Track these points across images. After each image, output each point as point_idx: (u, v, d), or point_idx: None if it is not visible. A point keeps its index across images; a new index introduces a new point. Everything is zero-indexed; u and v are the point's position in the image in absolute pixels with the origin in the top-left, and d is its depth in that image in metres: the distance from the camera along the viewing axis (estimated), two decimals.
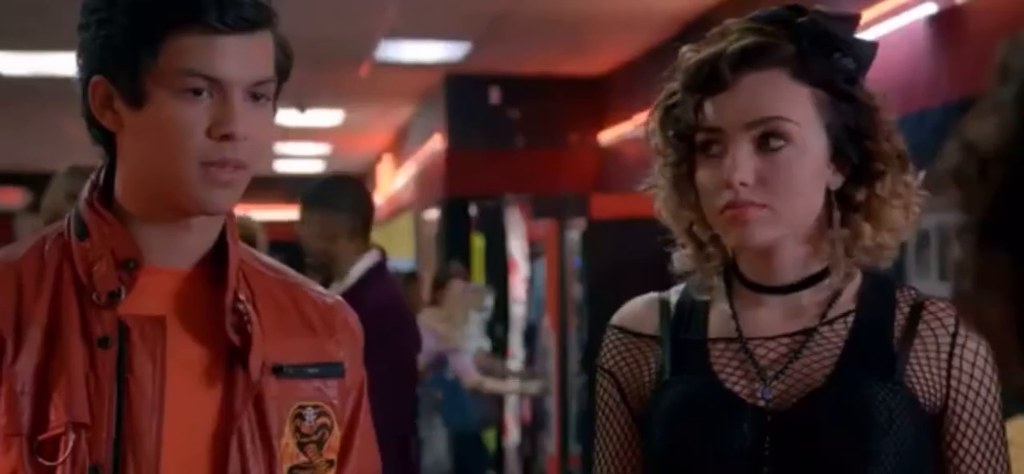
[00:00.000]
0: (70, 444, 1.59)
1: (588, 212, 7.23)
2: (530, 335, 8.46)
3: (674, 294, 1.86)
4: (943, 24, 5.59)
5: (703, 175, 1.72)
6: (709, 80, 1.70)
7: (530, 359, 8.45)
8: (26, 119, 13.16)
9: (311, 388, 1.74)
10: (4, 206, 18.58)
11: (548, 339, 7.94)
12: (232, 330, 1.67)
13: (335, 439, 1.75)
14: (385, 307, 4.36)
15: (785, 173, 1.69)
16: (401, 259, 10.81)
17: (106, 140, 1.69)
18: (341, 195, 4.52)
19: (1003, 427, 1.73)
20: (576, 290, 7.40)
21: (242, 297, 1.70)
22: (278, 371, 1.70)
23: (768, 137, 1.69)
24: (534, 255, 8.42)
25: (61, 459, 1.59)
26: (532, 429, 8.43)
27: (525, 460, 8.59)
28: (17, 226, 18.30)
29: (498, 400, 8.94)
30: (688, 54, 1.75)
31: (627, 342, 1.85)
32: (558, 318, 7.68)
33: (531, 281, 8.49)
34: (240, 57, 1.62)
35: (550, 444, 7.95)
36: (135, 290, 1.65)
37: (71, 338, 1.62)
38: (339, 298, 1.85)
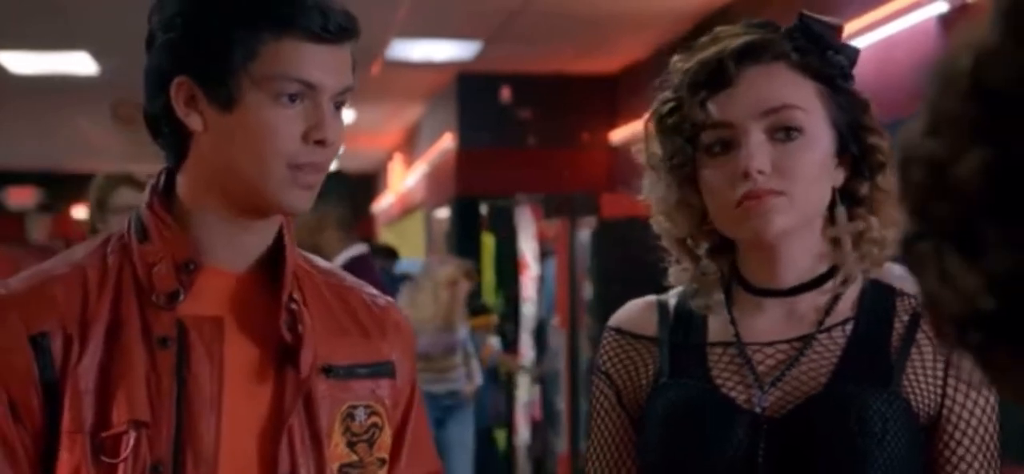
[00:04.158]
0: (131, 442, 1.63)
1: (599, 211, 7.23)
2: (540, 334, 8.46)
3: (673, 297, 1.85)
4: (954, 23, 5.57)
5: (711, 174, 1.72)
6: (713, 77, 1.71)
7: (540, 358, 8.44)
8: (38, 118, 13.18)
9: (362, 388, 1.77)
10: (17, 205, 18.61)
11: (557, 338, 7.93)
12: (285, 328, 1.70)
13: (386, 438, 1.79)
14: None
15: (799, 161, 1.69)
16: (412, 259, 10.80)
17: (176, 141, 1.70)
18: (330, 187, 4.61)
19: (998, 439, 1.71)
20: (586, 289, 7.40)
21: (295, 297, 1.73)
22: (328, 371, 1.74)
23: (781, 127, 1.70)
24: (545, 254, 8.42)
25: (123, 456, 1.62)
26: (543, 428, 8.43)
27: (536, 459, 8.58)
28: (29, 225, 18.33)
29: (509, 398, 8.93)
30: (679, 62, 1.76)
31: (624, 344, 1.85)
32: (569, 317, 7.67)
33: (542, 280, 8.49)
34: (332, 65, 1.68)
35: (560, 443, 7.95)
36: (193, 291, 1.68)
37: (132, 338, 1.66)
38: (391, 300, 1.88)
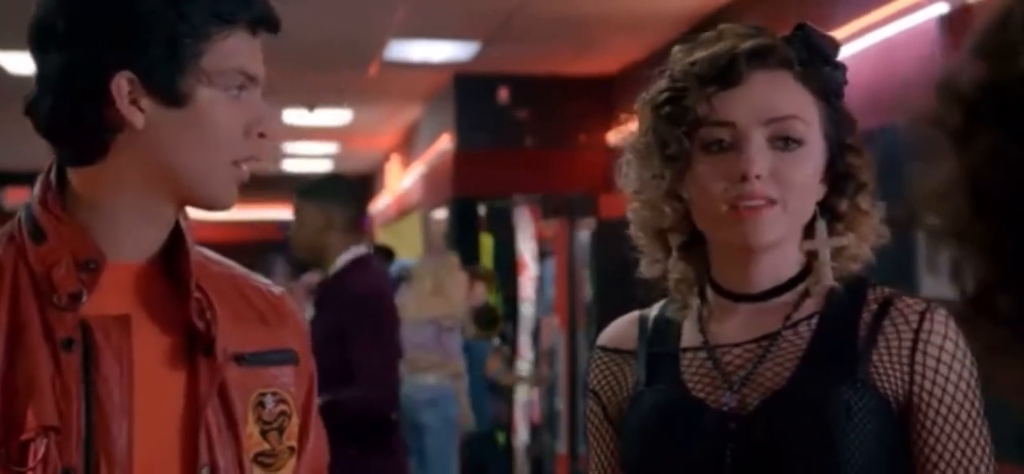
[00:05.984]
0: (41, 450, 1.57)
1: (597, 212, 7.23)
2: (538, 335, 8.46)
3: (654, 309, 1.87)
4: (954, 24, 5.57)
5: (706, 170, 1.72)
6: (724, 74, 1.71)
7: (538, 358, 8.44)
8: None
9: (269, 375, 1.74)
10: (15, 206, 18.60)
11: (555, 338, 7.93)
12: (196, 316, 1.66)
13: (294, 426, 1.76)
14: (367, 294, 4.48)
15: (797, 171, 1.70)
16: (410, 260, 10.80)
17: (97, 138, 1.63)
18: (339, 189, 4.68)
19: (980, 421, 1.69)
20: (585, 290, 7.40)
21: (200, 285, 1.69)
22: (238, 358, 1.70)
23: (783, 136, 1.70)
24: (543, 255, 8.42)
25: (32, 464, 1.57)
26: (541, 429, 8.43)
27: (534, 460, 8.58)
28: None
29: (508, 399, 8.93)
30: (681, 53, 1.76)
31: (607, 360, 1.87)
32: (568, 318, 7.68)
33: (540, 281, 8.49)
34: (260, 56, 1.66)
35: (560, 444, 7.95)
36: (97, 289, 1.62)
37: (34, 341, 1.59)
38: (284, 290, 1.85)
